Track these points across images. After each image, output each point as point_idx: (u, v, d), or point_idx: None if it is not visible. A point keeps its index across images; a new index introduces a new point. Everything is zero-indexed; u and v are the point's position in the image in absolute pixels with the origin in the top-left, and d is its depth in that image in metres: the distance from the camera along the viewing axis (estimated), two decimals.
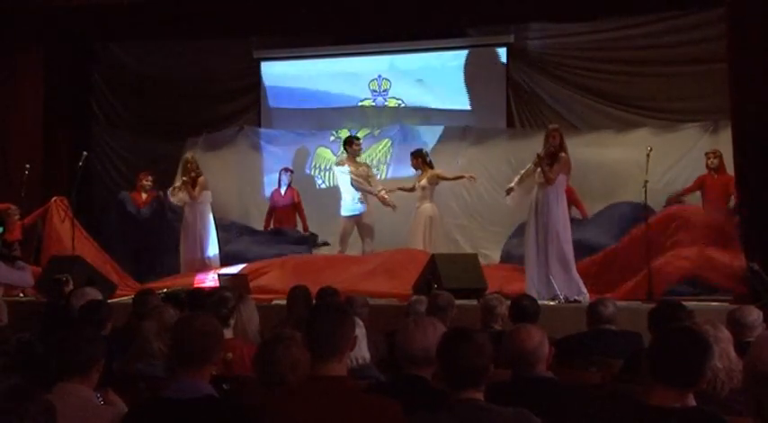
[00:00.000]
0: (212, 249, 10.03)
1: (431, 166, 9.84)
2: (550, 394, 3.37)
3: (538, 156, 8.09)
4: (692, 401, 2.75)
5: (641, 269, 8.08)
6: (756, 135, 7.78)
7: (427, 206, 9.67)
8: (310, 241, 10.64)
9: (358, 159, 10.08)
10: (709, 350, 2.82)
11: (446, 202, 10.45)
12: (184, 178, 10.07)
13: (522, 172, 8.32)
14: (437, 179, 9.77)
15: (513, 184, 8.38)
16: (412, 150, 10.10)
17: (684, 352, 2.76)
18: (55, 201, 9.89)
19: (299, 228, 10.89)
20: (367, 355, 4.30)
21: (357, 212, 9.92)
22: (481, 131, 11.31)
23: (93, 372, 3.12)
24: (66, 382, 3.05)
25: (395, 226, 10.15)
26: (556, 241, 7.94)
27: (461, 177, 10.00)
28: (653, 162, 8.57)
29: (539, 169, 8.07)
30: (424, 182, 9.71)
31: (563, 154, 8.07)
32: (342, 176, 10.00)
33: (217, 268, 9.58)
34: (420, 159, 9.85)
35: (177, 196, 10.15)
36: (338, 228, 10.15)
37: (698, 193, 9.40)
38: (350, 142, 10.05)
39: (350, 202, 9.93)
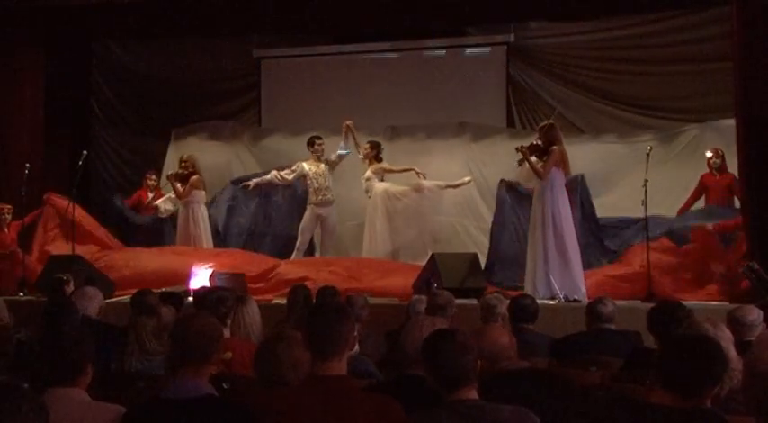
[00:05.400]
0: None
1: (378, 160, 9.90)
2: (536, 384, 3.37)
3: (516, 149, 8.08)
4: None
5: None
6: (761, 133, 7.76)
7: (378, 186, 9.75)
8: None
9: (320, 158, 10.04)
10: (724, 362, 2.79)
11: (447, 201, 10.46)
12: (170, 173, 10.08)
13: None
14: (383, 172, 9.86)
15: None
16: (370, 140, 10.09)
17: (698, 363, 2.73)
18: (48, 197, 9.92)
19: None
20: (355, 346, 4.34)
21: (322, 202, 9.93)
22: (478, 128, 11.31)
23: (82, 373, 3.11)
24: (56, 386, 3.04)
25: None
26: (553, 233, 7.87)
27: (410, 170, 9.94)
28: (653, 161, 8.55)
29: (526, 165, 8.04)
30: (368, 173, 9.79)
31: (554, 147, 8.02)
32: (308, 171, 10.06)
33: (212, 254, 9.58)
34: (375, 151, 9.88)
35: (164, 206, 10.28)
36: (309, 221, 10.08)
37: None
38: (311, 143, 10.07)
39: (314, 195, 9.95)
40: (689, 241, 8.46)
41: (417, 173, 9.84)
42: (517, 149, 8.09)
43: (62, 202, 9.75)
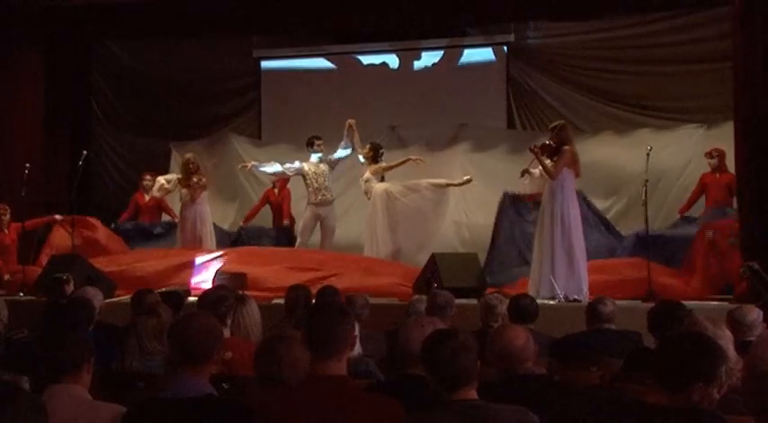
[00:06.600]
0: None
1: (376, 162, 9.83)
2: (543, 391, 3.37)
3: (529, 149, 8.09)
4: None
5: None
6: (759, 133, 7.76)
7: (378, 186, 9.68)
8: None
9: (321, 157, 10.04)
10: (715, 358, 2.78)
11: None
12: (187, 181, 10.11)
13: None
14: (381, 171, 9.80)
15: (528, 167, 8.27)
16: (371, 142, 10.05)
17: (694, 359, 2.73)
18: (60, 222, 9.94)
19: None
20: (359, 348, 4.33)
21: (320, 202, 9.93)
22: (479, 131, 11.30)
23: (82, 371, 3.12)
24: (57, 382, 3.05)
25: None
26: (561, 233, 7.83)
27: (407, 160, 9.87)
28: (653, 161, 8.54)
29: (539, 167, 8.04)
30: (367, 175, 9.74)
31: (566, 147, 8.00)
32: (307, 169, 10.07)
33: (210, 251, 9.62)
34: (374, 152, 9.84)
35: (155, 189, 10.41)
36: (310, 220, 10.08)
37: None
38: (311, 143, 10.05)
39: (313, 195, 9.96)
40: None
41: (414, 160, 9.81)
42: (530, 149, 8.10)
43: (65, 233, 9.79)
